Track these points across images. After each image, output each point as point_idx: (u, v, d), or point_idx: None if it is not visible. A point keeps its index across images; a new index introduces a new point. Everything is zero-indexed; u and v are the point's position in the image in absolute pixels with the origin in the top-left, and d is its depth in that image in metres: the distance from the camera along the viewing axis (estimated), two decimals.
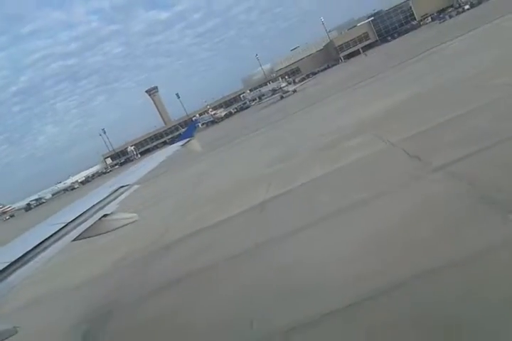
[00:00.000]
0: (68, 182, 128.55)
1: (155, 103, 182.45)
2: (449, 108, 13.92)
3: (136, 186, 6.96)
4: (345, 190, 10.69)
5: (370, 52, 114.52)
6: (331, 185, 11.76)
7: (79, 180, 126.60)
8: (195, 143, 11.38)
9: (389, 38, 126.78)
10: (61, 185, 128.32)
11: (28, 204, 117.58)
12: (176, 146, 11.07)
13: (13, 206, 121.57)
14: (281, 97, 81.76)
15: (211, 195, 17.95)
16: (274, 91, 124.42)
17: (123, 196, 6.36)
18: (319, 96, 42.48)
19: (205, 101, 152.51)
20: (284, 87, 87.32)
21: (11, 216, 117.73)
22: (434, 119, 13.30)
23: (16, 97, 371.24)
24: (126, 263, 12.94)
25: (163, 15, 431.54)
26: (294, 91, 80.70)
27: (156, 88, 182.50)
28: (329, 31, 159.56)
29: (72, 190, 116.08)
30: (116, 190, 6.63)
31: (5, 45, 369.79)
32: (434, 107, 15.30)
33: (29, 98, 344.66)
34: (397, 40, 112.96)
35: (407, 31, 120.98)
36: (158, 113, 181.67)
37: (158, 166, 9.21)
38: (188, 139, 11.44)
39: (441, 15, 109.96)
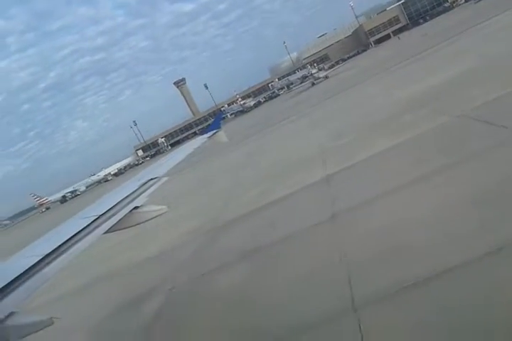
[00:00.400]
0: (101, 174, 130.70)
1: (183, 94, 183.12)
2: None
3: (165, 178, 6.99)
4: (421, 159, 10.15)
5: (403, 35, 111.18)
6: (404, 154, 11.31)
7: (111, 172, 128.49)
8: (222, 135, 11.41)
9: (421, 21, 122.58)
10: (94, 178, 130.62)
11: (64, 197, 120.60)
12: (202, 138, 11.25)
13: (49, 198, 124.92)
14: (313, 84, 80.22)
15: (270, 172, 17.57)
16: (303, 78, 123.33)
17: (152, 188, 6.39)
18: (355, 81, 40.54)
19: (235, 91, 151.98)
20: (315, 73, 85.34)
21: (47, 208, 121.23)
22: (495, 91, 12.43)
23: (46, 93, 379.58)
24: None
25: (188, 6, 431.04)
26: (326, 77, 78.81)
27: (183, 80, 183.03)
28: (356, 17, 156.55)
29: (105, 181, 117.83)
30: (146, 182, 6.69)
31: (34, 42, 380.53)
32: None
33: (59, 93, 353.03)
34: (429, 22, 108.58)
35: (439, 14, 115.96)
36: (186, 104, 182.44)
37: (189, 157, 9.25)
38: (215, 131, 11.53)
39: None
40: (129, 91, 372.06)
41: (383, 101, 20.82)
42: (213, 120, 14.45)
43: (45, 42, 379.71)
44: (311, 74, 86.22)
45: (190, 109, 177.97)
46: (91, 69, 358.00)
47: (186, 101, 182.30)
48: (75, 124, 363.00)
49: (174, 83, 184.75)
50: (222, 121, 13.82)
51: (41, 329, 3.34)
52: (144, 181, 6.76)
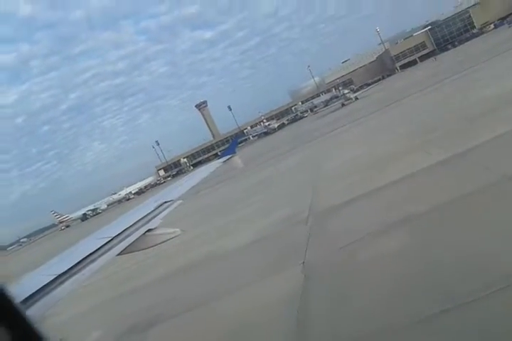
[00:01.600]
0: (122, 193, 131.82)
1: (204, 117, 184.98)
2: None
3: (179, 201, 7.00)
4: None
5: (429, 60, 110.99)
6: None
7: (132, 191, 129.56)
8: (237, 160, 11.51)
9: (449, 46, 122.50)
10: (116, 196, 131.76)
11: (84, 215, 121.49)
12: (218, 163, 11.31)
13: (71, 216, 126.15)
14: (343, 105, 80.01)
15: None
16: (328, 101, 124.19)
17: (166, 211, 6.36)
18: (391, 99, 40.73)
19: (259, 112, 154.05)
20: (347, 93, 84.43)
21: (67, 226, 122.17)
22: None
23: (66, 115, 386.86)
24: None
25: (208, 34, 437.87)
26: (356, 98, 78.66)
27: (205, 102, 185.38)
28: (383, 42, 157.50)
29: (127, 200, 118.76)
30: (160, 205, 6.69)
31: (57, 65, 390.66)
32: None
33: (79, 115, 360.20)
34: (457, 48, 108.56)
35: (467, 39, 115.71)
36: (207, 126, 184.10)
37: (204, 181, 9.32)
38: (230, 156, 11.58)
39: (505, 21, 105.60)
40: (149, 114, 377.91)
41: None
42: (229, 145, 14.62)
43: (67, 66, 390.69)
44: (343, 94, 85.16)
45: (211, 131, 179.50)
46: (111, 92, 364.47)
47: (207, 123, 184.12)
48: (96, 145, 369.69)
49: (196, 106, 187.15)
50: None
51: None
52: (159, 203, 6.77)
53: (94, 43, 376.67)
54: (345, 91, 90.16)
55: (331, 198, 14.23)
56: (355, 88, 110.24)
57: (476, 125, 15.16)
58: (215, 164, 11.19)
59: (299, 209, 14.50)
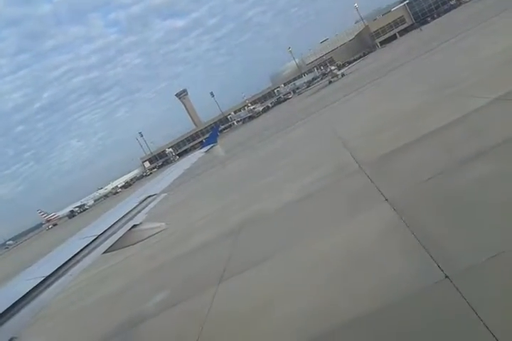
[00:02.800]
0: (109, 187, 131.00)
1: (185, 106, 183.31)
2: None
3: (163, 195, 6.93)
4: None
5: (409, 35, 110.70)
6: None
7: (119, 185, 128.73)
8: (218, 149, 11.55)
9: (428, 19, 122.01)
10: (102, 191, 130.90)
11: (72, 211, 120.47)
12: (199, 153, 11.24)
13: (58, 214, 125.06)
14: (330, 82, 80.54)
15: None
16: (309, 82, 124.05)
17: (151, 205, 6.33)
18: (387, 69, 40.28)
19: (244, 97, 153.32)
20: (334, 69, 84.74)
21: (54, 225, 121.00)
22: None
23: (40, 114, 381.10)
24: None
25: (180, 22, 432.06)
26: (343, 74, 79.26)
27: (185, 91, 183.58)
28: (356, 22, 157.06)
29: (114, 194, 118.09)
30: (144, 199, 6.65)
31: (28, 63, 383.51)
32: None
33: (55, 113, 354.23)
34: (437, 20, 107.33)
35: (446, 11, 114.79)
36: (188, 116, 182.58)
37: (187, 171, 9.24)
38: (211, 145, 11.66)
39: None
40: (127, 107, 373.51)
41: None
42: (209, 135, 14.50)
43: (38, 63, 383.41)
44: (330, 71, 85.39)
45: (193, 120, 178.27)
46: (86, 87, 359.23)
47: (188, 112, 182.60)
48: (75, 142, 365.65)
49: (176, 95, 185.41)
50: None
51: None
52: (142, 198, 6.70)
53: (64, 38, 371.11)
54: (332, 67, 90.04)
55: (376, 150, 13.58)
56: (340, 64, 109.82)
57: (494, 74, 15.41)
58: (198, 154, 11.12)
59: (344, 163, 13.97)
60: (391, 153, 12.39)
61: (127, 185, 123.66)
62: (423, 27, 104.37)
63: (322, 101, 46.26)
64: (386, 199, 9.07)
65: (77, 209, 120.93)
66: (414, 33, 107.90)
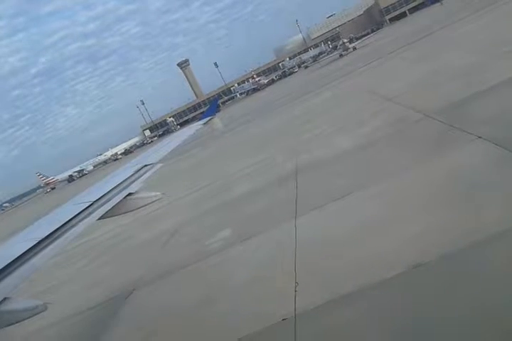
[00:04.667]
0: (108, 154, 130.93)
1: (186, 76, 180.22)
2: None
3: (159, 165, 6.90)
4: None
5: (418, 13, 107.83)
6: None
7: (119, 152, 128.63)
8: (216, 122, 11.12)
9: None
10: (102, 157, 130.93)
11: (71, 176, 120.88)
12: (197, 125, 11.24)
13: (57, 177, 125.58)
14: (341, 55, 79.19)
15: None
16: (315, 57, 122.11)
17: (147, 175, 6.32)
18: (406, 42, 39.13)
19: (250, 68, 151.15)
20: (346, 42, 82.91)
21: (53, 188, 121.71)
22: None
23: (36, 78, 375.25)
24: None
25: None
26: (354, 48, 78.13)
27: (187, 61, 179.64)
28: None
29: (115, 160, 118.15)
30: (140, 168, 6.63)
31: (24, 26, 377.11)
32: None
33: (50, 80, 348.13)
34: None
35: None
36: (189, 87, 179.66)
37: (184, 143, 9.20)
38: (209, 117, 11.60)
39: None
40: (125, 76, 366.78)
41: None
42: (208, 107, 14.40)
43: (35, 27, 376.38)
44: (343, 44, 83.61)
45: (194, 91, 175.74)
46: (82, 54, 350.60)
47: (190, 82, 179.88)
48: (76, 108, 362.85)
49: (178, 64, 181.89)
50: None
51: (35, 314, 3.33)
52: (139, 167, 6.70)
53: (62, 3, 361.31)
54: (345, 40, 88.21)
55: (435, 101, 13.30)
56: (353, 37, 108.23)
57: None
58: (195, 126, 11.09)
59: (407, 114, 13.45)
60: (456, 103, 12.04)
61: (128, 152, 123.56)
62: (434, 6, 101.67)
63: (352, 65, 45.19)
64: (479, 137, 8.80)
65: (76, 173, 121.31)
66: (424, 10, 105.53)
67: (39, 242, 4.05)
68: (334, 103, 24.26)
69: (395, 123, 13.17)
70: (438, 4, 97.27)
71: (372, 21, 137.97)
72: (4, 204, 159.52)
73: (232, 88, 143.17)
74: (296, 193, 10.94)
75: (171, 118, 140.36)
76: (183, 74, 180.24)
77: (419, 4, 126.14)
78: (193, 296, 7.77)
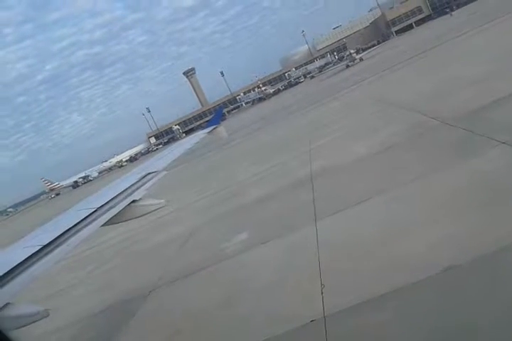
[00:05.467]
0: (113, 161, 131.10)
1: (192, 85, 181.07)
2: None
3: (164, 172, 6.87)
4: None
5: (425, 25, 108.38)
6: None
7: (124, 159, 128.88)
8: (221, 131, 11.52)
9: (447, 10, 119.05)
10: (107, 164, 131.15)
11: (76, 182, 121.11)
12: (202, 134, 11.26)
13: (61, 183, 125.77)
14: (347, 66, 79.48)
15: None
16: (321, 67, 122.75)
17: (151, 182, 6.31)
18: (413, 53, 39.37)
19: (256, 77, 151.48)
20: (353, 53, 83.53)
21: (57, 194, 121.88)
22: None
23: (42, 85, 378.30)
24: None
25: (187, 2, 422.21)
26: (361, 59, 78.57)
27: (193, 69, 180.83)
28: (370, 10, 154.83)
29: (120, 167, 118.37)
30: (145, 176, 6.65)
31: (31, 33, 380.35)
32: None
33: (59, 85, 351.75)
34: (456, 11, 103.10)
35: (465, 3, 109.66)
36: (194, 95, 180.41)
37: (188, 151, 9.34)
38: (214, 126, 11.57)
39: None
40: (130, 83, 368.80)
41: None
42: (213, 116, 14.46)
43: (41, 34, 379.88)
44: (350, 54, 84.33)
45: (199, 100, 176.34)
46: (88, 62, 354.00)
47: (195, 91, 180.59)
48: (81, 115, 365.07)
49: (184, 73, 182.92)
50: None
51: (37, 320, 3.30)
52: (143, 175, 6.72)
53: (69, 11, 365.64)
54: (352, 51, 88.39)
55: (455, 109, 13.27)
56: (360, 48, 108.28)
57: None
58: (200, 134, 11.12)
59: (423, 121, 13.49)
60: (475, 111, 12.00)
61: (133, 159, 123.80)
62: (440, 19, 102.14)
63: (360, 75, 45.33)
64: (503, 142, 8.71)
65: (81, 179, 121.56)
66: (430, 23, 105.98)
67: (42, 248, 4.04)
68: (346, 112, 24.16)
69: (414, 129, 13.14)
70: (447, 16, 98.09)
71: (378, 33, 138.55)
72: (8, 210, 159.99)
73: (238, 97, 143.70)
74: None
75: (177, 126, 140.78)
76: (188, 82, 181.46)
77: (425, 17, 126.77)
78: (217, 297, 7.73)
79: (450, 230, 6.45)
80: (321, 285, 6.37)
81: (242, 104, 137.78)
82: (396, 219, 7.67)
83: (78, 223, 4.69)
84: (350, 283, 6.23)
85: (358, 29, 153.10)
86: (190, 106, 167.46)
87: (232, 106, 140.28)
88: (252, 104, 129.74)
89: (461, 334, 4.45)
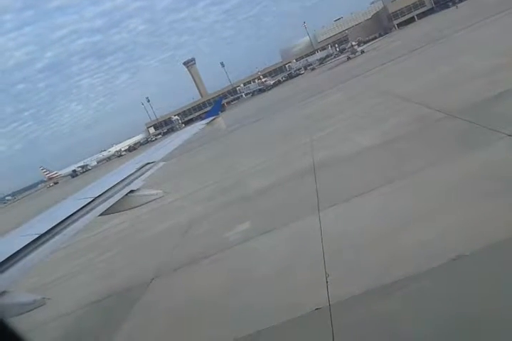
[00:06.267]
0: (112, 150, 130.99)
1: (192, 75, 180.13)
2: None
3: (161, 163, 6.89)
4: None
5: (427, 18, 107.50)
6: None
7: (123, 149, 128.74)
8: (220, 121, 11.50)
9: (449, 4, 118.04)
10: (105, 153, 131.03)
11: (74, 171, 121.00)
12: (200, 124, 11.26)
13: (60, 172, 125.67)
14: (348, 58, 79.22)
15: None
16: (322, 59, 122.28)
17: (149, 173, 6.31)
18: (419, 45, 38.81)
19: (256, 68, 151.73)
20: (354, 45, 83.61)
21: (56, 183, 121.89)
22: None
23: (42, 73, 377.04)
24: None
25: None
26: (362, 51, 78.12)
27: (193, 60, 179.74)
28: (372, 3, 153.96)
29: (119, 156, 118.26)
30: (143, 166, 6.63)
31: (32, 20, 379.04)
32: None
33: (55, 75, 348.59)
34: (461, 4, 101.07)
35: None
36: (194, 86, 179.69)
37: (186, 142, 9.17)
38: (213, 117, 11.56)
39: None
40: (130, 73, 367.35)
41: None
42: (212, 106, 14.43)
43: (42, 21, 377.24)
44: (351, 46, 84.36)
45: (199, 90, 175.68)
46: (88, 50, 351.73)
47: (195, 81, 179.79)
48: (80, 104, 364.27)
49: (184, 63, 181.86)
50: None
51: (34, 308, 3.36)
52: (141, 165, 6.71)
53: None
54: (353, 43, 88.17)
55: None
56: (361, 40, 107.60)
57: None
58: (198, 125, 11.09)
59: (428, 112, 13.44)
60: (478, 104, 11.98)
61: (132, 149, 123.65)
62: (443, 12, 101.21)
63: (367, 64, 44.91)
64: (510, 135, 8.66)
65: (79, 169, 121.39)
66: (432, 16, 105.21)
67: (39, 237, 4.05)
68: (349, 103, 23.90)
69: (418, 121, 13.08)
70: (450, 9, 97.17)
71: (380, 26, 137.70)
72: (7, 198, 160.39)
73: (238, 88, 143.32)
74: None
75: (176, 117, 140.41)
76: (188, 72, 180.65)
77: (427, 10, 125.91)
78: (221, 286, 7.73)
79: (454, 220, 6.47)
80: (326, 274, 6.38)
81: (242, 95, 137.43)
82: (402, 210, 7.64)
83: (75, 212, 4.69)
84: (354, 273, 6.24)
85: (359, 21, 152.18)
86: (190, 96, 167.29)
87: (231, 97, 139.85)
88: (252, 95, 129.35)
89: (467, 324, 4.45)
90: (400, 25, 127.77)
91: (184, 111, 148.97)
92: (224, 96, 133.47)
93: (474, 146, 9.06)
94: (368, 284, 5.72)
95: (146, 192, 5.54)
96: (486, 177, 7.48)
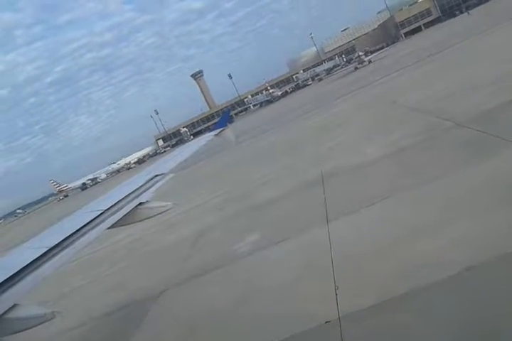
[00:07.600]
0: (121, 163, 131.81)
1: (200, 87, 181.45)
2: None
3: (171, 175, 6.87)
4: None
5: (434, 28, 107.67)
6: None
7: (132, 161, 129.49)
8: (228, 133, 11.43)
9: (457, 13, 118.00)
10: (115, 166, 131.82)
11: (84, 184, 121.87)
12: (209, 136, 11.27)
13: (70, 185, 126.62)
14: (356, 68, 79.04)
15: None
16: (329, 70, 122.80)
17: (158, 184, 6.34)
18: (427, 54, 38.64)
19: (264, 79, 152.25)
20: (361, 55, 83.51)
21: (65, 196, 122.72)
22: None
23: (52, 87, 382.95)
24: None
25: (196, 4, 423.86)
26: (370, 61, 77.98)
27: (201, 72, 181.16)
28: (378, 12, 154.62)
29: (128, 169, 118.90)
30: (152, 178, 6.64)
31: (41, 35, 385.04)
32: None
33: (70, 85, 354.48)
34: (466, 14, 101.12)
35: (475, 5, 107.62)
36: (202, 98, 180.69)
37: (195, 154, 9.17)
38: (221, 129, 11.53)
39: None
40: (139, 86, 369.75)
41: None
42: (220, 118, 14.45)
43: (52, 37, 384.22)
44: (358, 56, 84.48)
45: (207, 102, 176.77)
46: (97, 64, 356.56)
47: (203, 93, 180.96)
48: (90, 117, 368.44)
49: (192, 75, 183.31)
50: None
51: (43, 322, 3.29)
52: (150, 177, 6.71)
53: (79, 13, 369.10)
54: (360, 53, 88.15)
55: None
56: (368, 50, 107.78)
57: None
58: (207, 137, 11.09)
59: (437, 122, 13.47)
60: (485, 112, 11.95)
61: (141, 161, 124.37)
62: (450, 21, 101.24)
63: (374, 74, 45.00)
64: None
65: (89, 181, 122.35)
66: (439, 26, 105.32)
67: (49, 250, 4.05)
68: (357, 114, 23.91)
69: (428, 131, 13.00)
70: (456, 18, 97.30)
71: (387, 35, 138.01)
72: (18, 211, 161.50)
73: (245, 99, 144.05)
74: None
75: (185, 129, 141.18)
76: (196, 85, 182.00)
77: (434, 19, 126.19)
78: (231, 297, 7.71)
79: (466, 231, 6.39)
80: (335, 286, 6.33)
81: (250, 107, 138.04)
82: (412, 220, 7.58)
83: (85, 225, 4.69)
84: (364, 285, 6.18)
85: (366, 31, 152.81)
86: (198, 108, 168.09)
87: (240, 109, 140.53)
88: (260, 106, 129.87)
89: (479, 337, 4.38)
90: (406, 34, 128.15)
91: (193, 122, 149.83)
92: (232, 107, 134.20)
93: (485, 156, 8.95)
94: (377, 296, 5.67)
95: (156, 204, 5.51)
96: (498, 188, 7.38)
